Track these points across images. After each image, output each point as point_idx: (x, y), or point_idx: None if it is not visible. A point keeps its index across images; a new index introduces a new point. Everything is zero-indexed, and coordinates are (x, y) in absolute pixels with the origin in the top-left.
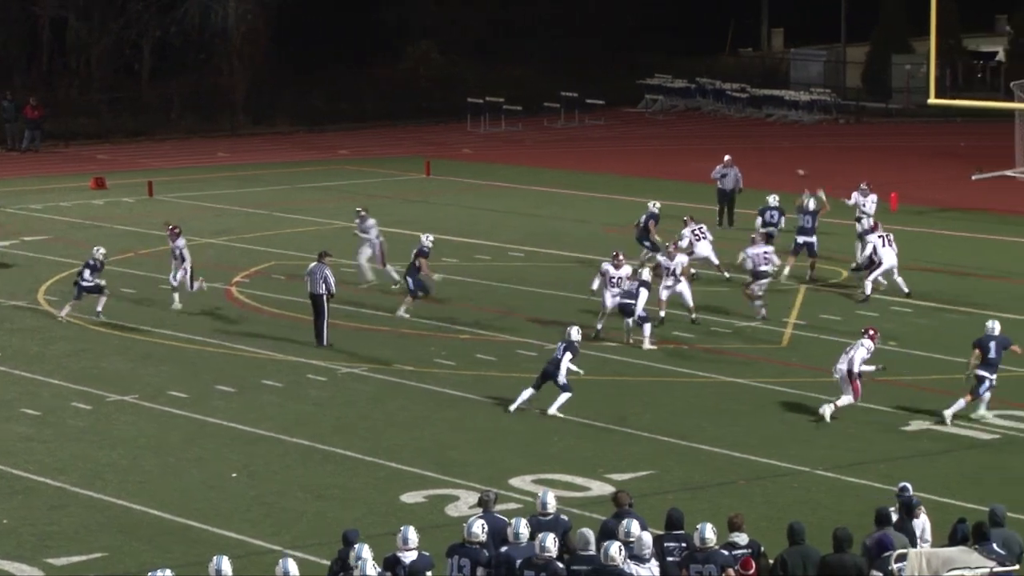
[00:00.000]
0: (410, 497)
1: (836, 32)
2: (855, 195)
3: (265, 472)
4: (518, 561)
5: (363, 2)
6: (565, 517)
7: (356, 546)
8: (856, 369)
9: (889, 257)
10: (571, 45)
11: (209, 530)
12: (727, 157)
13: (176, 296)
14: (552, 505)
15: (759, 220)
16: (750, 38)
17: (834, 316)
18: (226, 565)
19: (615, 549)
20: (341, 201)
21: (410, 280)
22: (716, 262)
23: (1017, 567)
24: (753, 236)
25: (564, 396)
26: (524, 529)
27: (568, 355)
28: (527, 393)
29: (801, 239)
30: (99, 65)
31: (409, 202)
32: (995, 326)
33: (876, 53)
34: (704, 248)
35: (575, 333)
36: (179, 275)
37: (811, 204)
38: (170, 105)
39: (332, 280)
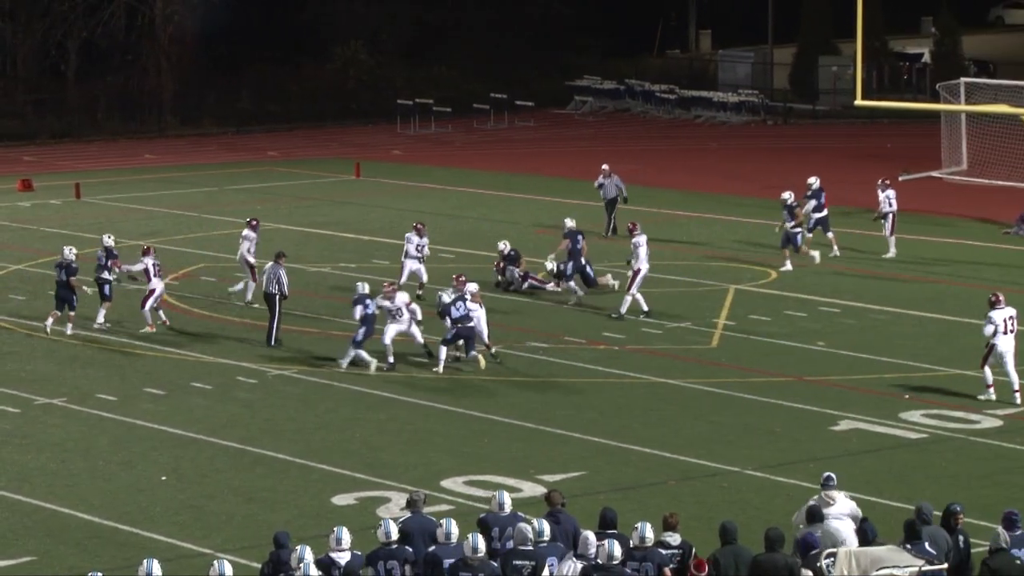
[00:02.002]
0: (341, 499)
1: (763, 34)
2: (879, 191)
3: (194, 475)
4: (447, 561)
5: (291, 2)
6: (521, 514)
7: (299, 548)
8: None
9: (644, 264)
10: (500, 46)
11: (138, 533)
12: (605, 167)
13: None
14: (508, 504)
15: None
16: (678, 40)
17: (763, 317)
18: (156, 568)
19: (617, 548)
20: (270, 203)
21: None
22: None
23: (946, 565)
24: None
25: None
26: (455, 529)
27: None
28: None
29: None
30: (24, 66)
31: (339, 204)
32: None
33: (803, 55)
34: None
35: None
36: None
37: (816, 183)
38: (96, 106)
39: (285, 281)
